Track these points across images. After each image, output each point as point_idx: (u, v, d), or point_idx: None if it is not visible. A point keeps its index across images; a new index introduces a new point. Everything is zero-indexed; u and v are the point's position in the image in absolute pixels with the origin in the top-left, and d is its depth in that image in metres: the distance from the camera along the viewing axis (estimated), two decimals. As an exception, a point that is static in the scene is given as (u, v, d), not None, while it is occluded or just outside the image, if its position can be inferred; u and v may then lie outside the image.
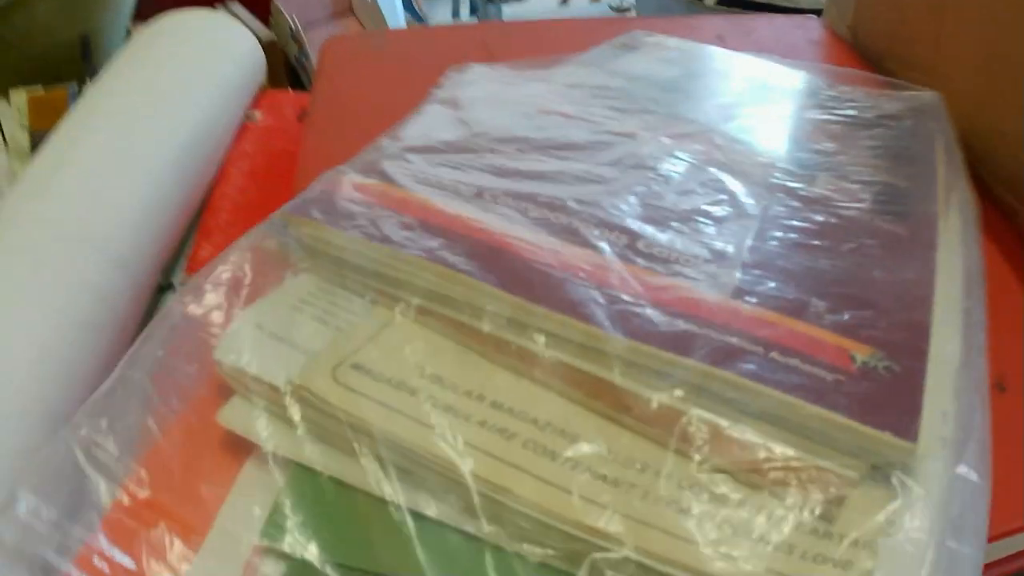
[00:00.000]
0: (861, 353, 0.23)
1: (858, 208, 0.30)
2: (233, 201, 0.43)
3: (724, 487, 0.20)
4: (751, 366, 0.21)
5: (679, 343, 0.22)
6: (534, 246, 0.25)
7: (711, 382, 0.21)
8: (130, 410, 0.22)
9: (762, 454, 0.20)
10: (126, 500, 0.20)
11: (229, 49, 0.47)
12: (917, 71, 0.38)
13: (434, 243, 0.25)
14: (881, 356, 0.22)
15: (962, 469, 0.21)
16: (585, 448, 0.20)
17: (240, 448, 0.22)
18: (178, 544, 0.20)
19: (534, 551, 0.19)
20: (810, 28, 0.50)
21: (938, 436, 0.22)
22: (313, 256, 0.26)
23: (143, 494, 0.20)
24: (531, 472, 0.20)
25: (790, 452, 0.20)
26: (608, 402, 0.22)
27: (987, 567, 0.28)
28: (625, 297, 0.23)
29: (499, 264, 0.24)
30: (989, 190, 0.35)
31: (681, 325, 0.23)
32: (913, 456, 0.20)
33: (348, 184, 0.28)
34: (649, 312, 0.23)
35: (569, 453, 0.20)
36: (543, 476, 0.20)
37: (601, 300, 0.23)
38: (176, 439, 0.22)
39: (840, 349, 0.23)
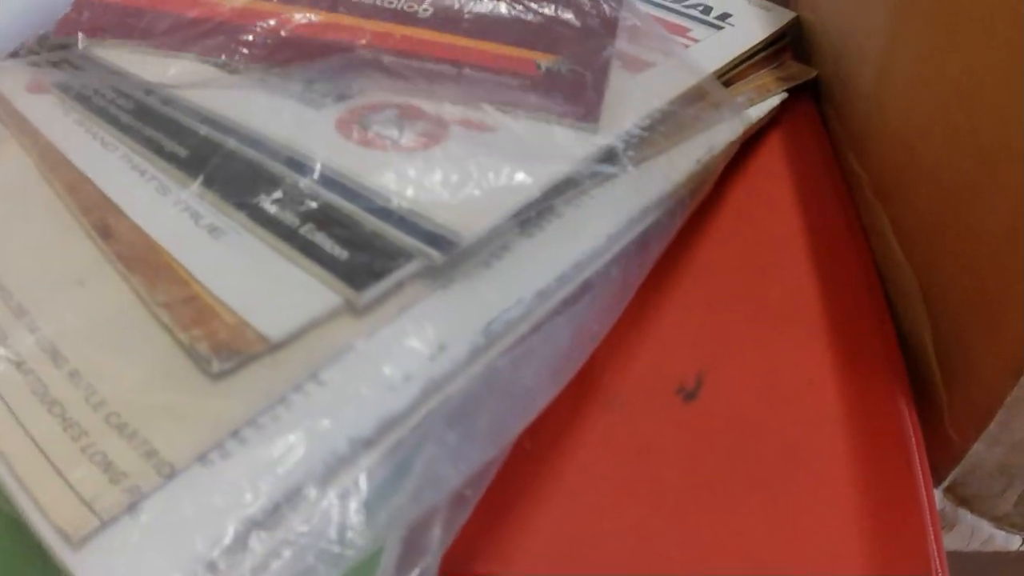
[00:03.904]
0: (545, 60, 0.23)
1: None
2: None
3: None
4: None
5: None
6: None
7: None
8: None
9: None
10: None
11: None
12: (806, 7, 0.32)
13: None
14: (564, 61, 0.23)
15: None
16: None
17: None
18: None
19: None
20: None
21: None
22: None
23: None
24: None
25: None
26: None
27: None
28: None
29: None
30: (841, 157, 0.29)
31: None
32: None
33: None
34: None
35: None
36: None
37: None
38: None
39: (525, 60, 0.23)
